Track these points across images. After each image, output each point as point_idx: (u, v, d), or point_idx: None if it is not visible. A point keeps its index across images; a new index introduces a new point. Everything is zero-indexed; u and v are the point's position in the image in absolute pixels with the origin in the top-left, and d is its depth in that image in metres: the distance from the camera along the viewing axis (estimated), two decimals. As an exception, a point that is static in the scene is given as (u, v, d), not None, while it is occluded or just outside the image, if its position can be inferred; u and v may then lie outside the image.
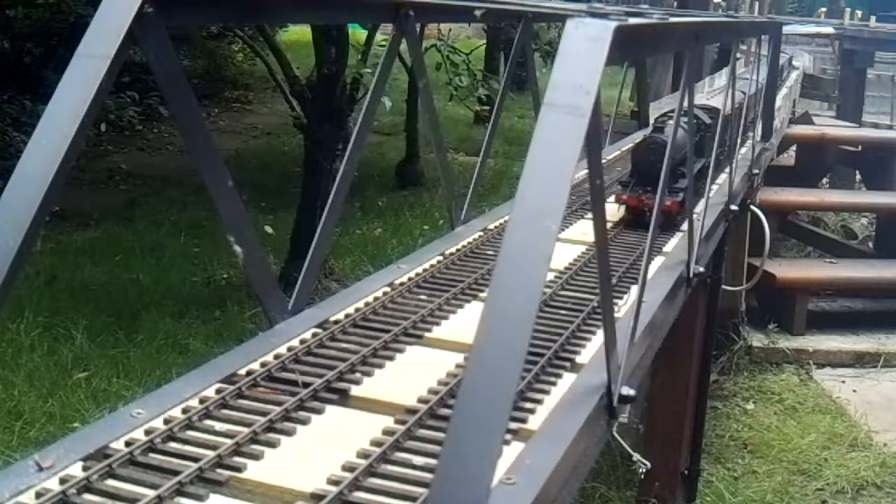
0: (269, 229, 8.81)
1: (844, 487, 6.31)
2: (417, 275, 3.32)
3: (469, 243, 3.77)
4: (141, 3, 1.43)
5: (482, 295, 3.15)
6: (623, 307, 3.04)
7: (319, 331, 2.71)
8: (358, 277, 6.57)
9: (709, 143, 4.75)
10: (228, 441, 2.04)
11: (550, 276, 3.23)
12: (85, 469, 1.89)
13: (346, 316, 2.86)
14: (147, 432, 2.05)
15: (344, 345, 2.66)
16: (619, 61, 2.64)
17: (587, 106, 1.58)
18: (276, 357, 2.49)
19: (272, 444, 2.09)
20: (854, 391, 7.73)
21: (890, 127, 14.29)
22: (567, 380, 2.47)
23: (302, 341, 2.62)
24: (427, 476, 1.93)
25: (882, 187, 10.74)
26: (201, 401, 2.23)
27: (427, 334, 2.84)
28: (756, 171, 6.35)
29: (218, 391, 2.28)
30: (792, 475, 6.44)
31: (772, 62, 7.10)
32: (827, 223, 11.81)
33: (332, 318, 2.82)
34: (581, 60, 1.64)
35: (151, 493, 1.82)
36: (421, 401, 2.33)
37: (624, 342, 2.42)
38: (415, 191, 12.85)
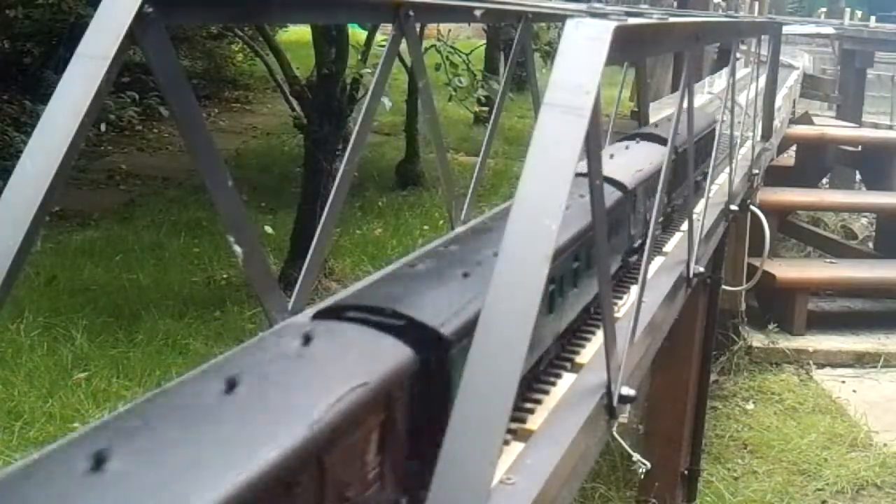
0: (269, 229, 8.82)
1: (844, 487, 6.31)
2: (417, 275, 3.30)
3: (469, 243, 3.75)
4: (141, 3, 1.43)
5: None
6: (623, 307, 3.04)
7: (319, 331, 2.69)
8: (358, 277, 6.57)
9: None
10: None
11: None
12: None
13: (346, 316, 2.84)
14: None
15: (344, 345, 2.64)
16: (619, 61, 2.63)
17: (587, 106, 1.57)
18: (276, 357, 2.47)
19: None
20: (854, 391, 7.74)
21: (890, 127, 14.28)
22: (567, 380, 2.48)
23: (302, 341, 2.61)
24: None
25: (882, 187, 10.75)
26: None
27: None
28: (756, 171, 6.35)
29: (218, 391, 2.26)
30: (792, 475, 6.44)
31: (772, 62, 7.09)
32: (827, 223, 11.82)
33: (332, 318, 2.80)
34: (581, 60, 1.64)
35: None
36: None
37: (624, 342, 2.42)
38: (415, 191, 12.86)
